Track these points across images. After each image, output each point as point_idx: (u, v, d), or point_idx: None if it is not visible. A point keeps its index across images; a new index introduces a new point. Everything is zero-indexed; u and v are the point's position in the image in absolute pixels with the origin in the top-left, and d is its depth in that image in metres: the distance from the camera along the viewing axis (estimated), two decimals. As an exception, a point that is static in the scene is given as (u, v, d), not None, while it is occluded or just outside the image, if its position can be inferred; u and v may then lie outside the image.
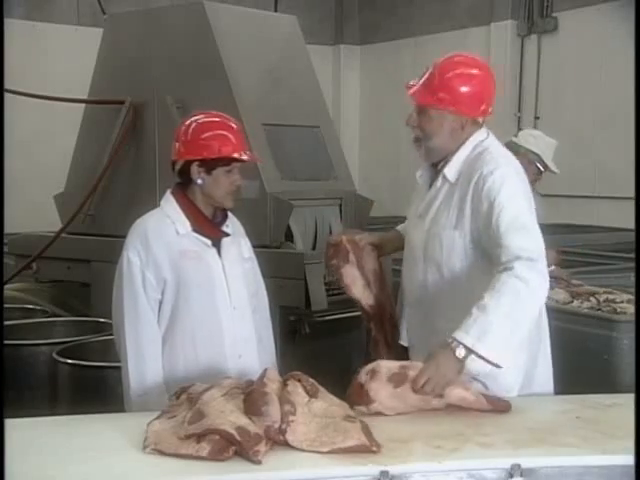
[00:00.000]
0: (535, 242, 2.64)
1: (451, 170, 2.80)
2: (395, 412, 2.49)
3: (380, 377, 2.52)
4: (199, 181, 2.88)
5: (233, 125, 2.93)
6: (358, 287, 3.10)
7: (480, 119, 2.82)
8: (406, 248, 3.00)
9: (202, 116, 2.94)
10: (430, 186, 2.89)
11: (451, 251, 2.78)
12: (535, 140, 4.47)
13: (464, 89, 2.74)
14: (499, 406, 2.54)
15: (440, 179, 2.83)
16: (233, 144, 2.87)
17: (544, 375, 2.93)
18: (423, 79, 2.78)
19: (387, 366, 2.57)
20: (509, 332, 2.55)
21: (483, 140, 2.83)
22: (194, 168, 2.88)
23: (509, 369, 2.67)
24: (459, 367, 2.52)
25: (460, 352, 2.51)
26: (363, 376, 2.53)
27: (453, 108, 2.74)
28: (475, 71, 2.80)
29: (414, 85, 2.79)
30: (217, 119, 2.95)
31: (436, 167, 2.89)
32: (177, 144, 2.92)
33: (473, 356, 2.52)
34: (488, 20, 9.94)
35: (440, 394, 2.51)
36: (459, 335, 2.52)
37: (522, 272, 2.54)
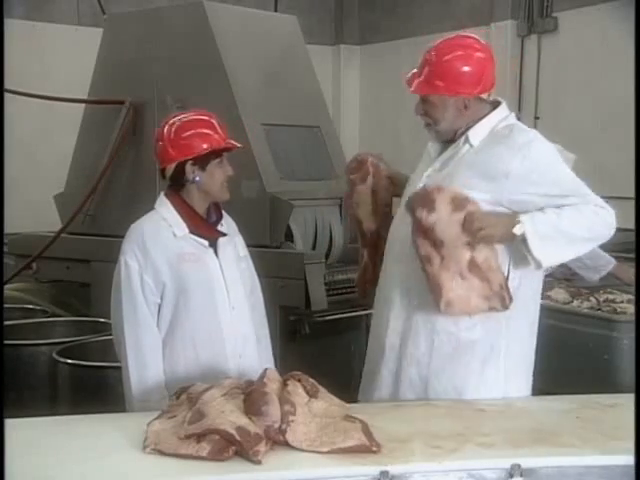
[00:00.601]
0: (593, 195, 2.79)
1: (476, 135, 2.83)
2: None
3: (445, 193, 2.67)
4: (197, 179, 2.88)
5: (211, 117, 2.94)
6: (365, 209, 3.15)
7: (484, 95, 2.84)
8: (400, 207, 2.98)
9: (177, 118, 2.94)
10: (440, 152, 2.92)
11: None
12: None
13: (457, 71, 2.77)
14: None
15: (462, 141, 2.85)
16: (219, 134, 2.89)
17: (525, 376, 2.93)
18: (421, 69, 2.82)
19: (453, 189, 2.70)
20: (566, 244, 2.73)
21: (507, 116, 2.88)
22: (188, 167, 2.88)
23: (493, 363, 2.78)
24: (509, 237, 2.68)
25: (518, 230, 2.66)
26: (432, 185, 2.71)
27: (450, 93, 2.78)
28: (466, 51, 2.81)
29: (412, 77, 2.85)
30: (194, 116, 2.95)
31: (449, 141, 2.92)
32: (163, 150, 2.90)
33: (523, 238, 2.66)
34: (488, 20, 9.92)
35: (477, 240, 2.66)
36: (526, 219, 2.67)
37: (601, 206, 2.76)
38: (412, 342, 2.84)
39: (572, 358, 3.30)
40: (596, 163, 8.68)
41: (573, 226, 2.71)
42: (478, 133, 2.83)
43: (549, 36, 9.51)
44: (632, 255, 5.03)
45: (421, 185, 2.85)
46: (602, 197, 2.81)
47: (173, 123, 2.92)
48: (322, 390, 2.41)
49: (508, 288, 2.72)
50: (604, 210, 2.76)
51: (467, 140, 2.83)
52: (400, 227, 2.91)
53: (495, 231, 2.68)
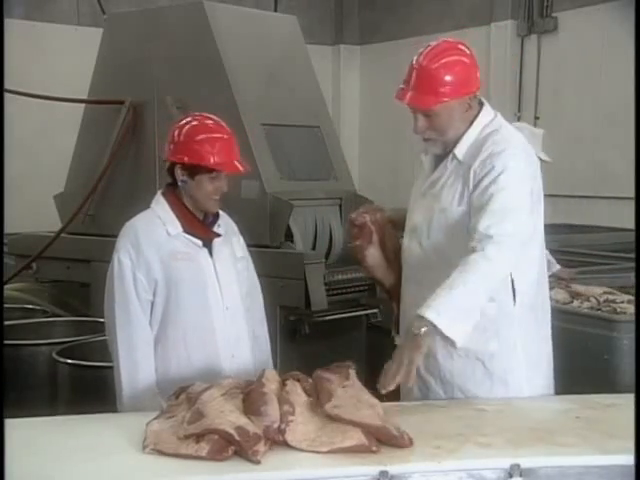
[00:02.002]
0: (515, 225, 2.65)
1: (461, 149, 2.79)
2: None
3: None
4: (181, 183, 2.89)
5: (224, 131, 2.90)
6: (381, 269, 3.11)
7: (477, 91, 2.81)
8: (408, 225, 2.97)
9: (197, 119, 2.93)
10: (435, 167, 2.89)
11: (454, 228, 2.76)
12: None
13: (456, 72, 2.72)
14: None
15: (450, 158, 2.82)
16: (219, 153, 2.83)
17: (546, 374, 2.94)
18: (411, 84, 2.74)
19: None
20: (472, 310, 2.59)
21: (492, 120, 2.83)
22: (177, 170, 2.88)
23: (516, 369, 2.76)
24: (420, 344, 2.52)
25: (420, 327, 2.52)
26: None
27: (457, 95, 2.72)
28: (453, 52, 2.77)
29: (404, 93, 2.75)
30: (210, 123, 2.91)
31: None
32: (168, 144, 2.91)
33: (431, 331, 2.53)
34: (488, 20, 9.93)
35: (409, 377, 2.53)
36: (422, 310, 2.53)
37: (490, 252, 2.59)
38: (433, 361, 2.82)
39: (572, 358, 3.29)
40: (596, 163, 8.69)
41: (469, 297, 2.59)
42: (462, 147, 2.80)
43: (549, 36, 9.51)
44: (632, 255, 5.03)
45: (414, 199, 2.92)
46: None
47: (189, 122, 2.91)
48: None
49: None
50: (490, 240, 2.60)
51: (454, 157, 2.81)
52: (407, 251, 2.94)
53: (408, 354, 2.53)
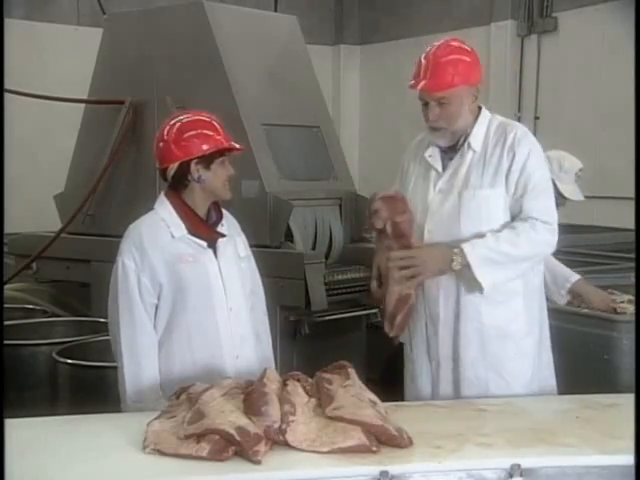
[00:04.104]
0: (553, 207, 2.96)
1: (477, 140, 2.97)
2: None
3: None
4: (202, 178, 2.89)
5: (212, 118, 2.96)
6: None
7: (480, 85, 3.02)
8: (427, 232, 3.01)
9: (178, 119, 2.95)
10: (443, 164, 3.03)
11: (490, 209, 2.92)
12: (551, 162, 4.10)
13: (465, 62, 2.94)
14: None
15: (464, 150, 2.98)
16: (222, 135, 2.91)
17: (548, 369, 3.07)
18: (423, 74, 2.91)
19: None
20: (506, 266, 2.85)
21: (493, 116, 3.04)
22: (193, 167, 2.88)
23: (519, 358, 2.94)
24: (442, 268, 2.86)
25: (456, 266, 2.83)
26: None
27: (467, 82, 2.92)
28: (460, 47, 3.00)
29: (418, 83, 2.91)
30: (195, 117, 2.95)
31: (453, 147, 3.02)
32: (166, 150, 2.90)
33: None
34: (488, 20, 9.92)
35: (411, 281, 2.87)
36: (467, 247, 2.82)
37: (540, 228, 2.86)
38: (464, 348, 2.96)
39: (572, 358, 3.30)
40: (596, 163, 8.68)
41: (512, 248, 2.83)
42: (477, 138, 2.97)
43: (549, 36, 9.51)
44: (632, 255, 5.03)
45: (431, 197, 3.01)
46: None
47: (175, 123, 2.92)
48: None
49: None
50: (545, 226, 2.87)
51: (470, 146, 2.97)
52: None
53: (431, 263, 2.88)
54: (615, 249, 6.04)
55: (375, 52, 11.47)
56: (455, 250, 2.83)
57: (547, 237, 2.88)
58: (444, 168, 3.02)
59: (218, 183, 2.91)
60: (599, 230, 7.39)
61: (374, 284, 3.09)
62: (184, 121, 2.92)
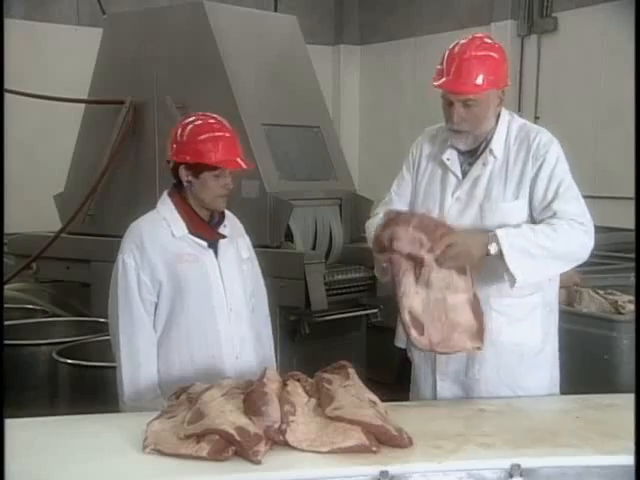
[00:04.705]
0: (587, 211, 2.81)
1: (498, 146, 2.83)
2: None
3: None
4: (186, 184, 2.88)
5: (227, 130, 2.89)
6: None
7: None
8: None
9: (198, 118, 2.92)
10: (462, 169, 2.88)
11: (512, 223, 2.75)
12: None
13: (495, 63, 2.79)
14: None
15: (486, 156, 2.83)
16: (221, 151, 2.83)
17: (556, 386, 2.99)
18: (453, 73, 2.72)
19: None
20: (542, 260, 2.68)
21: (512, 117, 2.91)
22: (182, 170, 2.87)
23: (534, 372, 2.85)
24: (482, 253, 2.65)
25: (493, 249, 2.64)
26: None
27: (497, 85, 2.78)
28: (490, 45, 2.85)
29: (447, 83, 2.73)
30: (212, 122, 2.91)
31: (473, 151, 2.87)
32: (170, 143, 2.91)
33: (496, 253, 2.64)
34: (488, 20, 9.92)
35: (449, 262, 2.63)
36: (501, 232, 2.65)
37: (577, 228, 2.72)
38: (478, 365, 2.85)
39: (572, 358, 3.30)
40: (596, 163, 8.69)
41: (549, 242, 2.67)
42: (499, 143, 2.83)
43: (549, 36, 9.51)
44: (632, 255, 5.03)
45: (448, 204, 2.86)
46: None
47: (191, 122, 2.90)
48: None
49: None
50: (582, 226, 2.73)
51: (491, 152, 2.83)
52: None
53: (470, 247, 2.65)
54: (615, 249, 6.05)
55: (375, 52, 11.47)
56: (490, 234, 2.67)
57: (584, 238, 2.72)
58: (463, 174, 2.87)
59: (205, 194, 2.86)
60: (599, 230, 7.37)
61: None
62: (198, 124, 2.88)
